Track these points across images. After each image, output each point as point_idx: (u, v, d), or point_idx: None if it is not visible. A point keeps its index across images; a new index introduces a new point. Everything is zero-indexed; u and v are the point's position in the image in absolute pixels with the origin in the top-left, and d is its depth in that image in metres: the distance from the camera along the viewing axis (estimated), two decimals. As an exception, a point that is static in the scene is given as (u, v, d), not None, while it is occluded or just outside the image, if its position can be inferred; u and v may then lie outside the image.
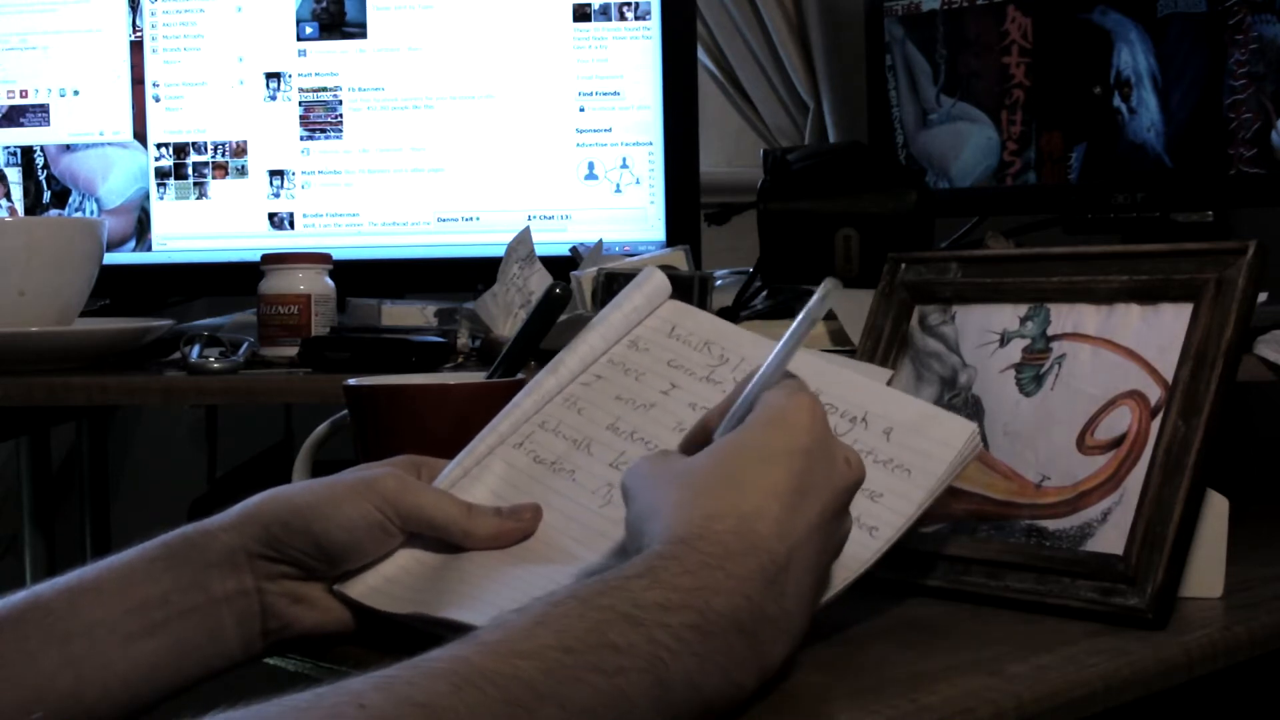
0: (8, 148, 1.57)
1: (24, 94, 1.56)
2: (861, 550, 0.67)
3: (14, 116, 1.56)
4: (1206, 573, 0.79)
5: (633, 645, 0.54)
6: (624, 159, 1.50)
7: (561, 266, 1.26)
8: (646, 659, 0.54)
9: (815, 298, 0.69)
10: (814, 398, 0.66)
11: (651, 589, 0.56)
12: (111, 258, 1.47)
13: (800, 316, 0.69)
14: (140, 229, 1.55)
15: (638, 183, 1.50)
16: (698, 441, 0.68)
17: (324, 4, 1.52)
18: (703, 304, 1.17)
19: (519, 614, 0.55)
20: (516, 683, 0.51)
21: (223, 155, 1.53)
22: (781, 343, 0.68)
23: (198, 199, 1.54)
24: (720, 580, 0.58)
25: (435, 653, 0.52)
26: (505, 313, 1.23)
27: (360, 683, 0.50)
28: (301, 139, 1.52)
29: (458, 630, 0.68)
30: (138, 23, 1.54)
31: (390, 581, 0.72)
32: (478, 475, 0.78)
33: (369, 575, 0.72)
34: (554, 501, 0.75)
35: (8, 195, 1.57)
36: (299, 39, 1.53)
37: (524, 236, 1.27)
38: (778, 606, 0.60)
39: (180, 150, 1.54)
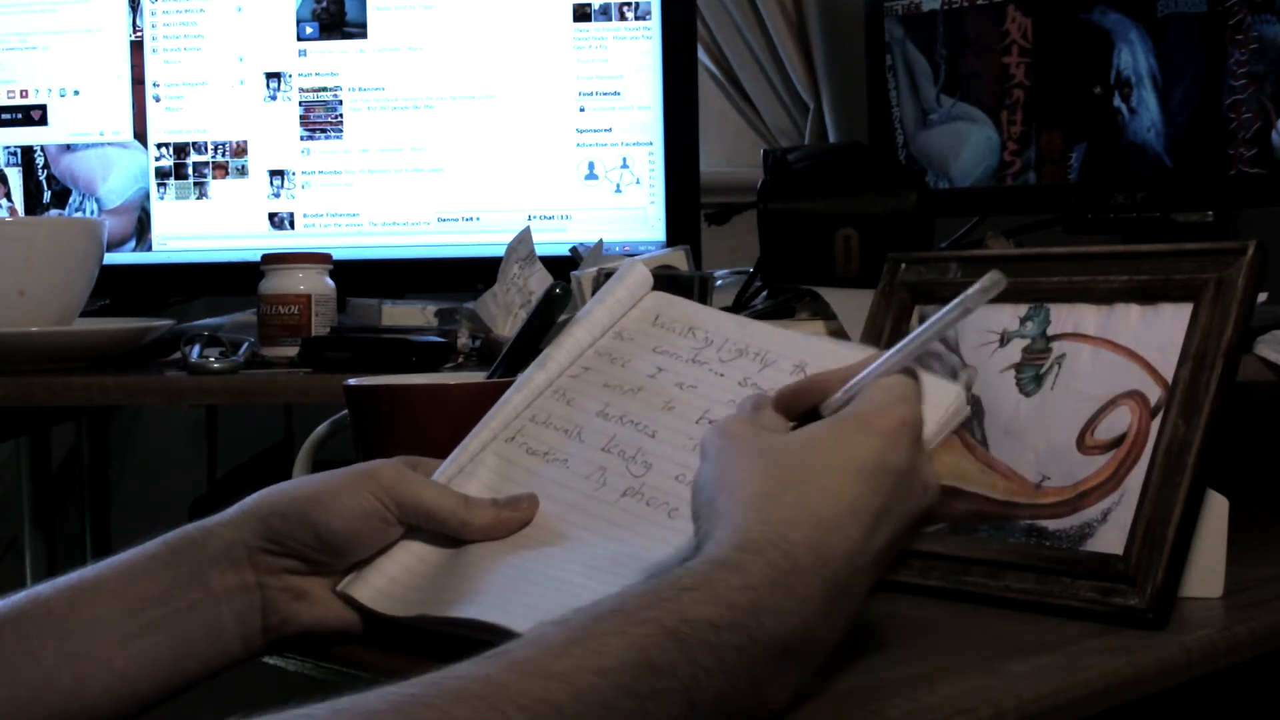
0: (8, 148, 1.57)
1: (24, 94, 1.56)
2: None
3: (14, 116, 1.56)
4: (1206, 573, 0.79)
5: (673, 665, 0.52)
6: (624, 159, 1.50)
7: (561, 266, 1.26)
8: (682, 680, 0.53)
9: (976, 287, 0.64)
10: (918, 412, 0.64)
11: (705, 604, 0.54)
12: (111, 258, 1.47)
13: (953, 303, 0.65)
14: (140, 229, 1.55)
15: (638, 183, 1.50)
16: (803, 400, 0.66)
17: (324, 4, 1.52)
18: (703, 304, 1.17)
19: (558, 626, 0.53)
20: (544, 706, 0.49)
21: (223, 155, 1.53)
22: (922, 328, 0.66)
23: (198, 199, 1.54)
24: (780, 599, 0.56)
25: (462, 668, 0.51)
26: (505, 313, 1.23)
27: (377, 700, 0.49)
28: (301, 139, 1.52)
29: (460, 627, 0.68)
30: (138, 23, 1.54)
31: (393, 582, 0.72)
32: (472, 471, 0.78)
33: (372, 575, 0.72)
34: (549, 490, 0.75)
35: (8, 195, 1.57)
36: (299, 39, 1.53)
37: (524, 236, 1.27)
38: (828, 628, 0.58)
39: (180, 150, 1.54)
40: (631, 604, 0.54)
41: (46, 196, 1.57)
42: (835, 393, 0.66)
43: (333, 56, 1.52)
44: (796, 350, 0.77)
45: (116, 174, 1.56)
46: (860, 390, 0.65)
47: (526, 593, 0.69)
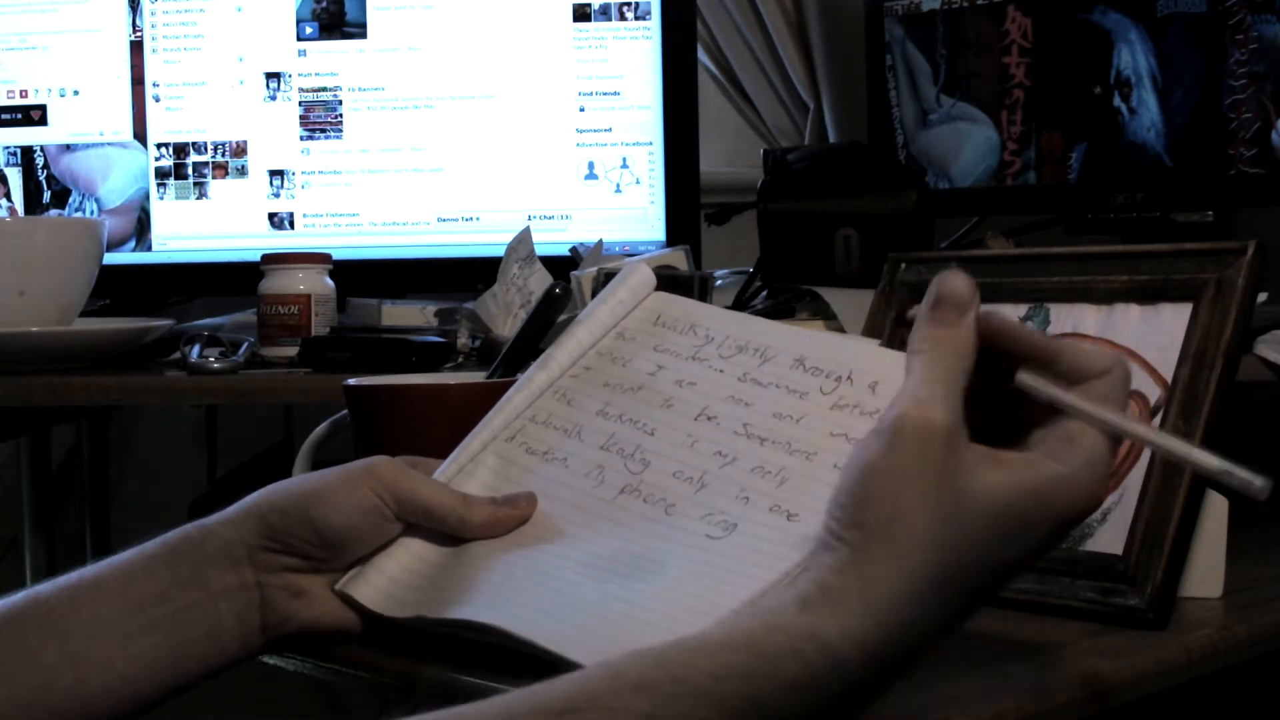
0: (8, 148, 1.57)
1: (24, 94, 1.56)
2: None
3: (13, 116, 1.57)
4: (1206, 573, 0.79)
5: None
6: (624, 159, 1.50)
7: (561, 266, 1.26)
8: None
9: (1235, 473, 0.58)
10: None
11: (784, 695, 0.52)
12: (111, 258, 1.47)
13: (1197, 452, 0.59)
14: (140, 229, 1.55)
15: (638, 183, 1.50)
16: (1018, 347, 0.60)
17: (324, 4, 1.52)
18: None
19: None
20: None
21: (223, 155, 1.53)
22: (1177, 441, 0.60)
23: (198, 199, 1.54)
24: (841, 703, 0.53)
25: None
26: (505, 313, 1.23)
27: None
28: (301, 139, 1.52)
29: (457, 628, 0.68)
30: (138, 23, 1.54)
31: (392, 581, 0.72)
32: (472, 471, 0.78)
33: (371, 574, 0.72)
34: (547, 489, 0.75)
35: (8, 195, 1.57)
36: (299, 39, 1.53)
37: (524, 236, 1.27)
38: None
39: (180, 150, 1.54)
40: (712, 669, 0.52)
41: (46, 196, 1.57)
42: (1057, 369, 0.59)
43: (333, 56, 1.52)
44: (796, 344, 0.77)
45: (116, 174, 1.56)
46: (1075, 428, 0.58)
47: (522, 592, 0.69)
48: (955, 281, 0.59)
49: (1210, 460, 0.57)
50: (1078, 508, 0.57)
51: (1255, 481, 0.56)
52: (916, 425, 0.54)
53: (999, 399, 0.61)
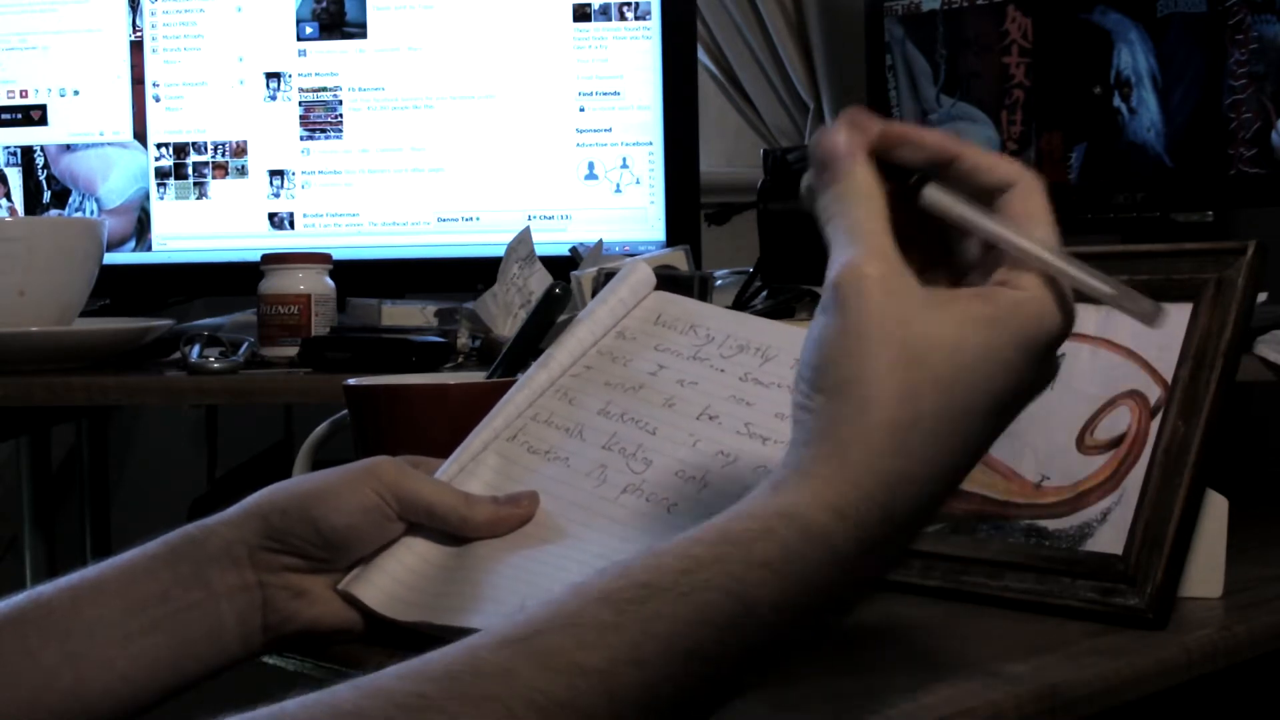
0: (8, 148, 1.57)
1: (24, 94, 1.56)
2: None
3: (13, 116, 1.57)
4: (1206, 573, 0.79)
5: (735, 622, 0.49)
6: (624, 159, 1.50)
7: (561, 266, 1.26)
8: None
9: (1132, 304, 0.55)
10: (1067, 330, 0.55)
11: (770, 583, 0.49)
12: (111, 258, 1.47)
13: (1115, 284, 0.56)
14: (140, 229, 1.55)
15: (638, 183, 1.50)
16: (920, 151, 0.57)
17: (324, 4, 1.52)
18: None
19: (598, 602, 0.49)
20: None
21: (223, 155, 1.53)
22: (1090, 271, 0.56)
23: (198, 199, 1.54)
24: (864, 566, 0.51)
25: (483, 655, 0.48)
26: (505, 313, 1.23)
27: (361, 697, 0.47)
28: (301, 139, 1.53)
29: (461, 636, 0.68)
30: (138, 23, 1.54)
31: (395, 582, 0.72)
32: (473, 470, 0.78)
33: (373, 574, 0.72)
34: (549, 488, 0.76)
35: (8, 195, 1.57)
36: (299, 39, 1.53)
37: (524, 236, 1.27)
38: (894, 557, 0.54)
39: (180, 150, 1.54)
40: (679, 565, 0.49)
41: (46, 196, 1.57)
42: (967, 173, 0.57)
43: (333, 56, 1.52)
44: (797, 344, 0.77)
45: (116, 174, 1.56)
46: (1009, 261, 0.55)
47: (527, 596, 0.69)
48: (827, 138, 0.56)
49: (1103, 286, 0.55)
50: (1045, 329, 0.54)
51: (1147, 306, 0.55)
52: (851, 283, 0.53)
53: (944, 232, 0.58)
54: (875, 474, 0.51)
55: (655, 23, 1.50)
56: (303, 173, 1.53)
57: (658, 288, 0.86)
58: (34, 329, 1.28)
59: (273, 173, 1.53)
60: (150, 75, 1.54)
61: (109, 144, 1.56)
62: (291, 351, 1.27)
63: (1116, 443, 0.79)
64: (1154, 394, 0.79)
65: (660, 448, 0.75)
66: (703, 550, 0.50)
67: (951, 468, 0.53)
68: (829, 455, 0.51)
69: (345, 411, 0.90)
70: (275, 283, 1.31)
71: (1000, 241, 0.56)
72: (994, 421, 0.54)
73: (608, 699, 0.47)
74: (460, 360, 1.23)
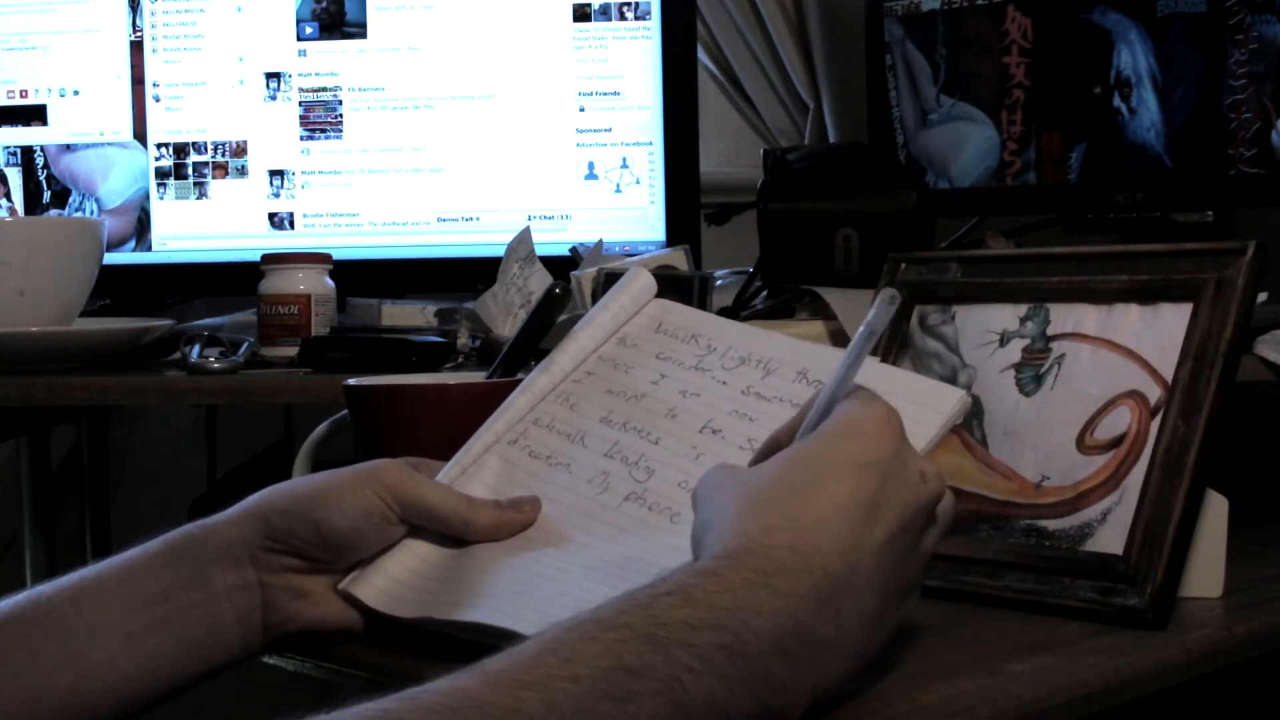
0: (8, 148, 1.57)
1: (24, 94, 1.56)
2: None
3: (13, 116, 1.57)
4: (1206, 573, 0.79)
5: (649, 666, 0.51)
6: (624, 159, 1.50)
7: (561, 266, 1.26)
8: (663, 680, 0.51)
9: (874, 311, 0.63)
10: (889, 409, 0.63)
11: (680, 607, 0.54)
12: (111, 258, 1.47)
13: (860, 330, 0.64)
14: (140, 229, 1.55)
15: (638, 183, 1.50)
16: (766, 457, 0.66)
17: (324, 4, 1.52)
18: (703, 304, 1.17)
19: (532, 640, 0.53)
20: (517, 716, 0.49)
21: (223, 155, 1.53)
22: (846, 354, 0.64)
23: (198, 199, 1.54)
24: (764, 599, 0.55)
25: (436, 684, 0.50)
26: (505, 313, 1.23)
27: (350, 715, 0.48)
28: (301, 139, 1.53)
29: (463, 630, 0.68)
30: (138, 23, 1.54)
31: (396, 582, 0.72)
32: (475, 473, 0.78)
33: (374, 574, 0.72)
34: (551, 493, 0.76)
35: (8, 195, 1.57)
36: (299, 39, 1.53)
37: (524, 236, 1.27)
38: (832, 627, 0.57)
39: (180, 150, 1.54)
40: (604, 612, 0.54)
41: (46, 196, 1.57)
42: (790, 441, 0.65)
43: (333, 56, 1.52)
44: (799, 357, 0.77)
45: (116, 174, 1.56)
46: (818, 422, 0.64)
47: (530, 596, 0.69)
48: None
49: (857, 338, 0.63)
50: (867, 449, 0.61)
51: (883, 297, 0.62)
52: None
53: None
54: (739, 535, 0.58)
55: (655, 23, 1.50)
56: (303, 173, 1.53)
57: (659, 291, 0.86)
58: (34, 329, 1.28)
59: (273, 173, 1.53)
60: (150, 75, 1.54)
61: (109, 144, 1.56)
62: (291, 351, 1.27)
63: (1116, 443, 0.79)
64: (1154, 394, 0.79)
65: (663, 458, 0.75)
66: (617, 598, 0.56)
67: (814, 519, 0.59)
68: (701, 554, 0.60)
69: (345, 412, 0.90)
70: (275, 283, 1.31)
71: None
72: (845, 480, 0.60)
73: (547, 707, 0.50)
74: (460, 360, 1.23)
